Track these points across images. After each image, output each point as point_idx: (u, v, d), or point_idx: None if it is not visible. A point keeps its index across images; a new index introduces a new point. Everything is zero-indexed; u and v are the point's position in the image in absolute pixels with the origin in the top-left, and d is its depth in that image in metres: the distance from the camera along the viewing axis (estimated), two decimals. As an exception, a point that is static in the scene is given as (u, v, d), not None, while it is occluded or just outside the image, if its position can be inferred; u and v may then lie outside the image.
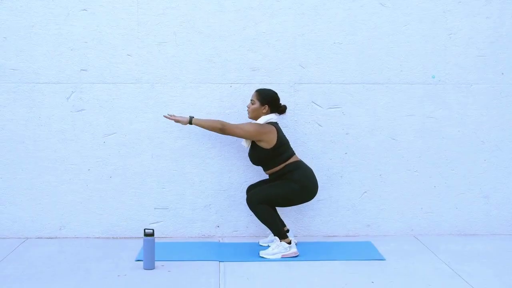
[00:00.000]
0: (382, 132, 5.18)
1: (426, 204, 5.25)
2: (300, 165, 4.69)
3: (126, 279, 4.13)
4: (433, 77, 5.16)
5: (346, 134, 5.16)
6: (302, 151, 5.08)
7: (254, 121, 4.72)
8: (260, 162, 4.72)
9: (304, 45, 5.07)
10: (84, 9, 4.98)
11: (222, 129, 4.59)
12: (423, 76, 5.16)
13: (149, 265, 4.32)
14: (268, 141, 4.61)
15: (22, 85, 5.01)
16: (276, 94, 4.75)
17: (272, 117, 4.71)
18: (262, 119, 4.67)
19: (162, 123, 5.07)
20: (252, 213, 5.14)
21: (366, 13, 5.09)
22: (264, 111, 4.70)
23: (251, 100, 4.73)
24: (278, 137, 4.63)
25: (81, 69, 5.02)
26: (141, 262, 4.42)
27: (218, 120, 4.65)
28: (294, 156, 4.72)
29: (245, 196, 5.13)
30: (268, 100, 4.70)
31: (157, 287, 3.98)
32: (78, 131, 5.05)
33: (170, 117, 4.70)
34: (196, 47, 5.04)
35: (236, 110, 5.07)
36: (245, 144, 4.74)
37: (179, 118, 4.69)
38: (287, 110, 5.01)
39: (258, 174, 5.11)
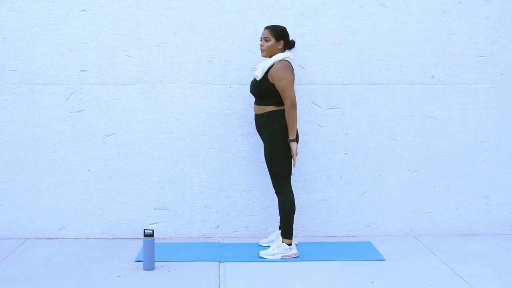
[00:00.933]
0: (382, 132, 5.18)
1: (426, 204, 5.25)
2: (283, 115, 4.56)
3: (126, 279, 4.13)
4: (433, 77, 5.16)
5: (346, 134, 5.16)
6: (302, 152, 5.08)
7: (275, 68, 4.51)
8: (258, 93, 4.60)
9: (304, 45, 5.07)
10: (84, 10, 4.98)
11: (295, 109, 4.46)
12: (422, 76, 5.16)
13: (149, 266, 4.33)
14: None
15: (22, 86, 5.01)
16: (286, 28, 4.68)
17: (289, 55, 4.61)
18: (279, 56, 4.55)
19: (162, 123, 5.07)
20: (252, 214, 5.14)
21: (366, 13, 5.09)
22: (280, 46, 4.59)
23: (264, 38, 4.58)
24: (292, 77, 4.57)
25: (81, 70, 5.02)
26: (141, 263, 4.42)
27: (286, 111, 4.47)
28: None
29: (245, 196, 5.14)
30: (283, 35, 4.60)
31: (157, 288, 3.99)
32: (78, 132, 5.06)
33: (295, 158, 4.56)
34: (196, 48, 5.05)
35: (236, 110, 5.07)
36: (258, 75, 4.57)
37: (294, 150, 4.50)
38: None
39: (258, 174, 5.11)
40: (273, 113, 4.55)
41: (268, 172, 4.73)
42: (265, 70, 4.54)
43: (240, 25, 5.04)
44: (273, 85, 4.51)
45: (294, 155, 4.54)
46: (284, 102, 4.50)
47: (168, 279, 4.14)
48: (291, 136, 4.51)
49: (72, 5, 4.97)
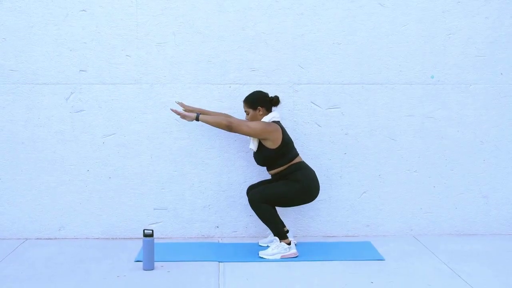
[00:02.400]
0: (381, 132, 5.18)
1: (426, 204, 5.25)
2: (303, 165, 4.69)
3: (125, 279, 4.13)
4: (432, 77, 5.16)
5: (345, 134, 5.16)
6: (302, 152, 5.08)
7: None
8: (265, 162, 4.71)
9: (303, 45, 5.07)
10: (83, 10, 4.98)
11: (229, 126, 4.54)
12: (422, 76, 5.16)
13: (149, 266, 4.32)
14: (274, 140, 4.59)
15: (21, 86, 5.01)
16: (260, 92, 4.75)
17: (274, 115, 4.69)
18: (265, 119, 4.66)
19: (161, 123, 5.07)
20: (251, 214, 5.14)
21: (365, 13, 5.09)
22: (261, 113, 4.69)
23: (245, 111, 4.74)
24: (283, 136, 4.62)
25: (80, 70, 5.02)
26: (141, 263, 4.42)
27: (225, 117, 4.61)
28: (298, 157, 4.72)
29: (244, 196, 5.13)
30: (257, 102, 4.69)
31: (157, 288, 3.99)
32: (77, 132, 5.05)
33: (177, 112, 4.62)
34: (195, 48, 5.05)
35: (235, 110, 5.06)
36: (253, 147, 4.69)
37: (186, 114, 4.61)
38: (286, 111, 5.03)
39: (258, 174, 5.11)
40: (288, 169, 4.65)
41: (263, 186, 4.70)
42: (257, 140, 4.66)
43: (240, 25, 5.04)
44: (271, 149, 4.59)
45: (179, 112, 4.58)
46: (235, 123, 4.55)
47: (168, 279, 4.14)
48: (201, 116, 4.56)
49: (71, 5, 4.97)
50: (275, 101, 4.75)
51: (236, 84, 5.07)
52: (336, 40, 5.10)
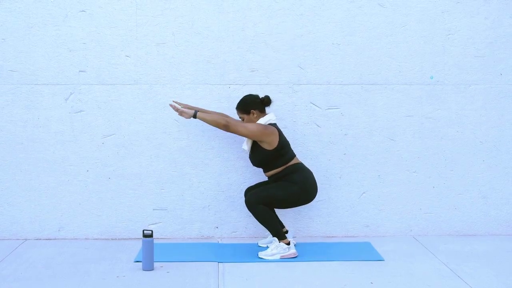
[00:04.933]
0: (381, 133, 5.18)
1: (425, 204, 5.26)
2: (300, 167, 4.67)
3: (125, 280, 4.13)
4: (432, 77, 5.17)
5: (345, 134, 5.17)
6: (301, 152, 5.09)
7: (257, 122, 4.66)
8: (261, 163, 4.69)
9: (303, 46, 5.07)
10: (83, 10, 4.98)
11: (226, 126, 4.51)
12: (421, 77, 5.16)
13: (148, 266, 4.32)
14: (270, 143, 4.58)
15: (21, 86, 5.01)
16: (249, 95, 4.72)
17: (270, 118, 4.67)
18: (261, 122, 4.63)
19: (160, 124, 5.07)
20: (251, 214, 5.14)
21: (365, 13, 5.09)
22: (255, 116, 4.66)
23: (239, 118, 4.73)
24: (280, 138, 4.61)
25: (80, 70, 5.02)
26: (140, 263, 4.42)
27: (223, 117, 4.59)
28: (295, 158, 4.71)
29: (243, 197, 5.13)
30: (249, 106, 4.67)
31: (156, 288, 3.99)
32: (77, 132, 5.05)
33: (175, 108, 4.60)
34: (195, 48, 5.05)
35: (235, 111, 5.06)
36: (245, 148, 4.69)
37: (184, 110, 4.59)
38: (286, 111, 5.04)
39: (257, 175, 5.11)
40: (285, 170, 4.63)
41: (260, 188, 4.71)
42: (250, 140, 4.66)
43: (239, 26, 5.04)
44: (267, 150, 4.58)
45: (179, 108, 4.58)
46: (232, 123, 4.52)
47: (167, 280, 4.13)
48: (199, 113, 4.54)
49: (71, 5, 4.97)
50: (266, 101, 4.72)
51: (236, 84, 5.07)
52: (335, 41, 5.10)
